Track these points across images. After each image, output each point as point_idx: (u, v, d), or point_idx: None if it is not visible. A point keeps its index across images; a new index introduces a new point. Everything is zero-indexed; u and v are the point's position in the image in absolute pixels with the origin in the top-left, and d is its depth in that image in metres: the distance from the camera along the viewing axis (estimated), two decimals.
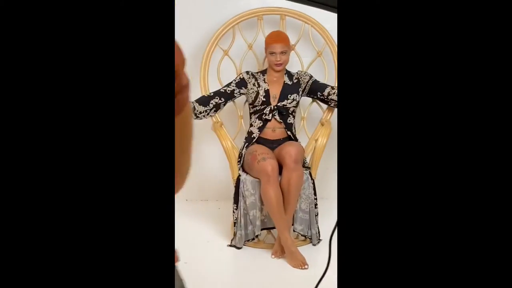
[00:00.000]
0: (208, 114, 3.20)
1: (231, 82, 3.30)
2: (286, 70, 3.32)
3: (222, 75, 3.48)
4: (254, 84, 3.27)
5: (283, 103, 3.23)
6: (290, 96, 3.23)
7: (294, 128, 3.34)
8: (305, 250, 3.11)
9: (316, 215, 3.18)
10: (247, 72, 3.33)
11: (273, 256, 3.06)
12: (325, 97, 3.26)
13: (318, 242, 3.21)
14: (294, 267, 2.92)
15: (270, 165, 2.99)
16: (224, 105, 3.29)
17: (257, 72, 3.35)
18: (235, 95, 3.29)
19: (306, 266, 2.92)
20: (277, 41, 3.16)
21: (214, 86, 3.38)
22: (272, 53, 3.17)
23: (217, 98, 3.22)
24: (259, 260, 3.07)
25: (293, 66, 3.51)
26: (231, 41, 3.52)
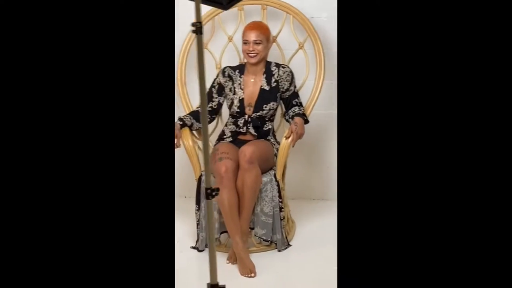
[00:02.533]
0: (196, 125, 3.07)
1: (211, 92, 3.12)
2: (267, 66, 3.08)
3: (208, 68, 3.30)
4: (230, 89, 3.09)
5: (258, 114, 3.03)
6: (266, 106, 3.03)
7: (273, 131, 3.15)
8: (267, 256, 2.95)
9: (282, 219, 2.96)
10: (223, 73, 3.12)
11: (227, 261, 2.88)
12: (288, 115, 3.07)
13: (285, 248, 3.00)
14: (241, 275, 2.75)
15: (224, 165, 2.82)
16: (213, 119, 3.21)
17: (235, 69, 3.12)
18: (222, 102, 3.15)
19: (252, 274, 2.73)
20: (252, 28, 2.97)
21: (192, 83, 3.24)
22: (246, 41, 2.97)
23: (208, 117, 3.10)
24: (219, 262, 2.89)
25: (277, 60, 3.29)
26: (211, 34, 3.35)
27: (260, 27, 2.98)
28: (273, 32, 3.32)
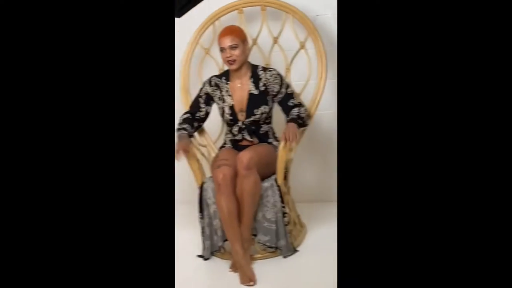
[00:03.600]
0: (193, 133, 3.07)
1: (198, 102, 3.07)
2: (252, 69, 3.00)
3: (204, 76, 3.27)
4: (219, 98, 3.03)
5: (251, 119, 2.97)
6: (257, 111, 2.95)
7: (272, 131, 3.07)
8: (272, 263, 2.89)
9: (286, 224, 2.88)
10: (210, 83, 3.06)
11: (230, 270, 2.83)
12: (287, 120, 2.95)
13: (291, 254, 2.92)
14: (241, 283, 2.69)
15: (221, 173, 2.77)
16: (200, 126, 3.16)
17: (221, 77, 3.06)
18: (209, 112, 3.10)
19: (252, 283, 2.66)
20: (225, 34, 2.88)
21: (195, 89, 3.20)
22: (222, 49, 2.90)
23: (196, 123, 3.07)
24: (219, 272, 2.87)
25: (277, 63, 3.23)
26: (212, 39, 3.31)
27: (233, 31, 2.90)
28: (274, 33, 3.26)
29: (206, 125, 3.19)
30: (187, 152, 2.84)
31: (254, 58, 3.27)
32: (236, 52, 2.87)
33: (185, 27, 3.38)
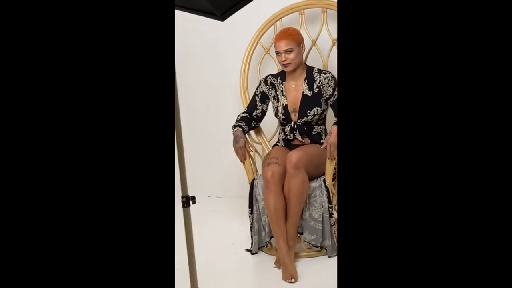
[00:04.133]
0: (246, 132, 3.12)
1: (255, 100, 3.13)
2: (307, 71, 3.02)
3: (262, 74, 3.33)
4: (274, 97, 3.08)
5: (303, 119, 2.99)
6: (310, 112, 2.97)
7: (325, 132, 3.08)
8: (316, 263, 2.91)
9: (332, 225, 2.89)
10: (266, 82, 3.11)
11: (275, 266, 2.87)
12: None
13: (336, 255, 2.91)
14: (283, 280, 2.72)
15: (270, 170, 2.81)
16: (258, 125, 3.23)
17: (276, 76, 3.10)
18: (265, 110, 3.16)
19: (293, 280, 2.70)
20: (280, 39, 2.91)
21: (254, 87, 3.26)
22: (277, 52, 2.94)
23: (254, 122, 3.14)
24: (264, 266, 2.92)
25: (335, 65, 3.22)
26: (273, 37, 3.36)
27: (288, 35, 2.91)
28: (334, 35, 3.26)
29: (262, 123, 3.25)
30: (243, 149, 2.93)
31: (313, 59, 3.30)
32: (291, 56, 2.90)
33: (246, 27, 3.47)
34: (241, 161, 2.97)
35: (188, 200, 1.64)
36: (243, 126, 3.05)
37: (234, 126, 3.05)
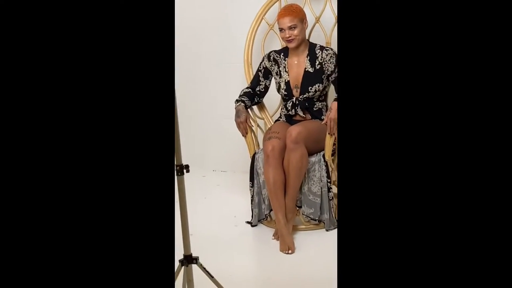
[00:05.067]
0: (249, 107, 3.15)
1: (258, 76, 3.15)
2: (310, 47, 3.03)
3: (266, 50, 3.35)
4: (276, 73, 3.10)
5: (305, 95, 3.01)
6: (311, 88, 2.99)
7: (326, 108, 3.09)
8: (313, 235, 2.96)
9: (331, 199, 2.94)
10: (269, 57, 3.12)
11: (273, 237, 2.93)
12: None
13: (334, 228, 2.97)
14: (280, 251, 2.77)
15: (270, 144, 2.85)
16: (261, 101, 3.26)
17: (279, 52, 3.11)
18: (268, 85, 3.18)
19: (290, 251, 2.75)
20: (284, 15, 2.92)
21: (258, 62, 3.28)
22: (281, 29, 2.95)
23: (257, 97, 3.17)
24: (264, 238, 2.96)
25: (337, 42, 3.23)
26: (277, 15, 3.37)
27: (292, 12, 2.92)
28: (337, 13, 3.27)
29: (265, 98, 3.27)
30: (244, 124, 2.97)
31: (317, 36, 3.31)
32: (295, 32, 2.91)
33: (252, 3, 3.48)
34: (242, 135, 3.00)
35: (182, 169, 1.69)
36: (246, 101, 3.08)
37: (237, 100, 3.08)
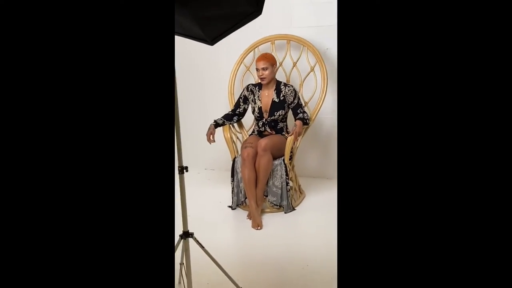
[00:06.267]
0: (231, 124, 3.08)
1: (240, 100, 3.08)
2: (277, 84, 2.98)
3: (244, 84, 3.33)
4: (252, 100, 3.04)
5: (272, 118, 2.98)
6: (276, 113, 2.96)
7: (286, 127, 3.06)
8: (275, 216, 2.90)
9: (288, 190, 2.91)
10: (247, 88, 3.06)
11: (247, 217, 2.88)
12: (295, 119, 2.93)
13: (290, 211, 2.94)
14: (252, 227, 2.73)
15: (246, 152, 2.81)
16: (240, 119, 3.17)
17: (255, 85, 3.06)
18: (247, 108, 3.11)
19: (259, 228, 2.70)
20: (260, 59, 2.89)
21: (239, 92, 3.24)
22: (257, 69, 2.92)
23: (236, 117, 3.09)
24: (240, 218, 2.92)
25: (295, 79, 3.23)
26: (252, 59, 3.35)
27: (266, 58, 2.88)
28: (294, 59, 3.26)
29: (243, 119, 3.23)
30: (210, 135, 2.88)
31: (280, 75, 3.30)
32: (266, 72, 2.88)
33: (233, 50, 3.45)
34: (208, 142, 2.91)
35: (182, 169, 1.64)
36: (218, 120, 3.01)
37: (214, 121, 3.01)
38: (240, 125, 3.29)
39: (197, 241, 1.80)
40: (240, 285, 1.98)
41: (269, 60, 2.89)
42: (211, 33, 1.82)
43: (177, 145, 1.61)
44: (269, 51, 3.31)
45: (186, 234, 1.72)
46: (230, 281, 1.93)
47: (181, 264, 1.98)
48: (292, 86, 2.99)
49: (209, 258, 1.86)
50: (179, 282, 2.03)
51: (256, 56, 3.12)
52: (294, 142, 2.89)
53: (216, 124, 2.99)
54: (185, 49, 3.51)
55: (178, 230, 1.67)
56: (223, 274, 1.92)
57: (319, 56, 3.12)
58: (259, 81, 2.99)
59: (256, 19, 1.72)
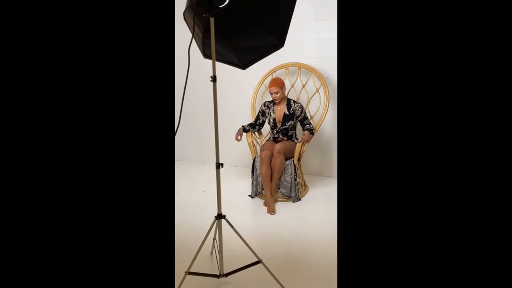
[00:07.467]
0: (253, 132, 3.07)
1: (259, 114, 3.07)
2: (287, 101, 2.97)
3: (264, 99, 3.33)
4: (268, 113, 3.04)
5: (284, 127, 2.97)
6: (287, 123, 2.95)
7: (295, 135, 3.05)
8: (286, 205, 2.89)
9: (296, 184, 2.90)
10: (264, 104, 3.06)
11: (263, 205, 2.88)
12: (303, 129, 2.92)
13: (297, 201, 2.93)
14: (267, 212, 2.73)
15: (264, 154, 2.81)
16: (260, 129, 3.16)
17: (271, 102, 3.05)
18: (264, 120, 3.10)
19: (273, 213, 2.70)
20: (271, 85, 2.89)
21: (259, 106, 3.24)
22: (270, 93, 2.92)
23: (257, 127, 3.08)
24: (258, 205, 2.92)
25: (303, 98, 3.23)
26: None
27: (276, 83, 2.88)
28: (303, 82, 3.26)
29: (262, 128, 3.24)
30: (238, 136, 2.89)
31: (291, 94, 3.30)
32: (278, 95, 2.89)
33: (258, 73, 3.46)
34: (236, 140, 2.90)
35: (219, 165, 1.66)
36: (245, 126, 3.02)
37: (242, 126, 3.03)
38: (260, 133, 3.29)
39: (228, 222, 1.82)
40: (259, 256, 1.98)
41: (279, 84, 2.89)
42: (244, 60, 1.88)
43: (215, 147, 1.63)
44: (283, 76, 3.32)
45: (220, 216, 1.74)
46: (251, 253, 1.94)
47: (214, 239, 2.00)
48: (300, 103, 2.98)
49: (236, 235, 1.86)
50: (211, 253, 2.04)
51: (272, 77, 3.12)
52: (302, 147, 2.89)
53: (244, 129, 2.99)
54: (222, 73, 3.54)
55: (214, 212, 1.68)
56: (245, 248, 1.93)
57: (323, 80, 3.12)
58: (273, 101, 2.99)
59: None
